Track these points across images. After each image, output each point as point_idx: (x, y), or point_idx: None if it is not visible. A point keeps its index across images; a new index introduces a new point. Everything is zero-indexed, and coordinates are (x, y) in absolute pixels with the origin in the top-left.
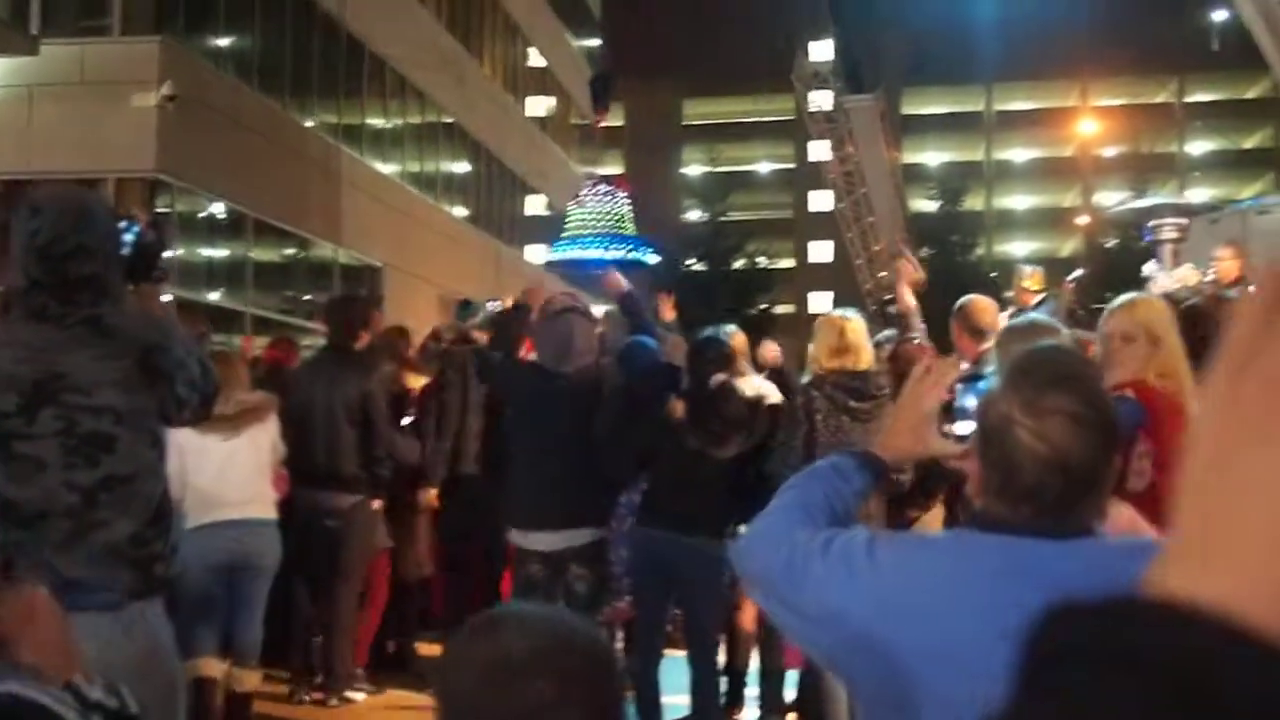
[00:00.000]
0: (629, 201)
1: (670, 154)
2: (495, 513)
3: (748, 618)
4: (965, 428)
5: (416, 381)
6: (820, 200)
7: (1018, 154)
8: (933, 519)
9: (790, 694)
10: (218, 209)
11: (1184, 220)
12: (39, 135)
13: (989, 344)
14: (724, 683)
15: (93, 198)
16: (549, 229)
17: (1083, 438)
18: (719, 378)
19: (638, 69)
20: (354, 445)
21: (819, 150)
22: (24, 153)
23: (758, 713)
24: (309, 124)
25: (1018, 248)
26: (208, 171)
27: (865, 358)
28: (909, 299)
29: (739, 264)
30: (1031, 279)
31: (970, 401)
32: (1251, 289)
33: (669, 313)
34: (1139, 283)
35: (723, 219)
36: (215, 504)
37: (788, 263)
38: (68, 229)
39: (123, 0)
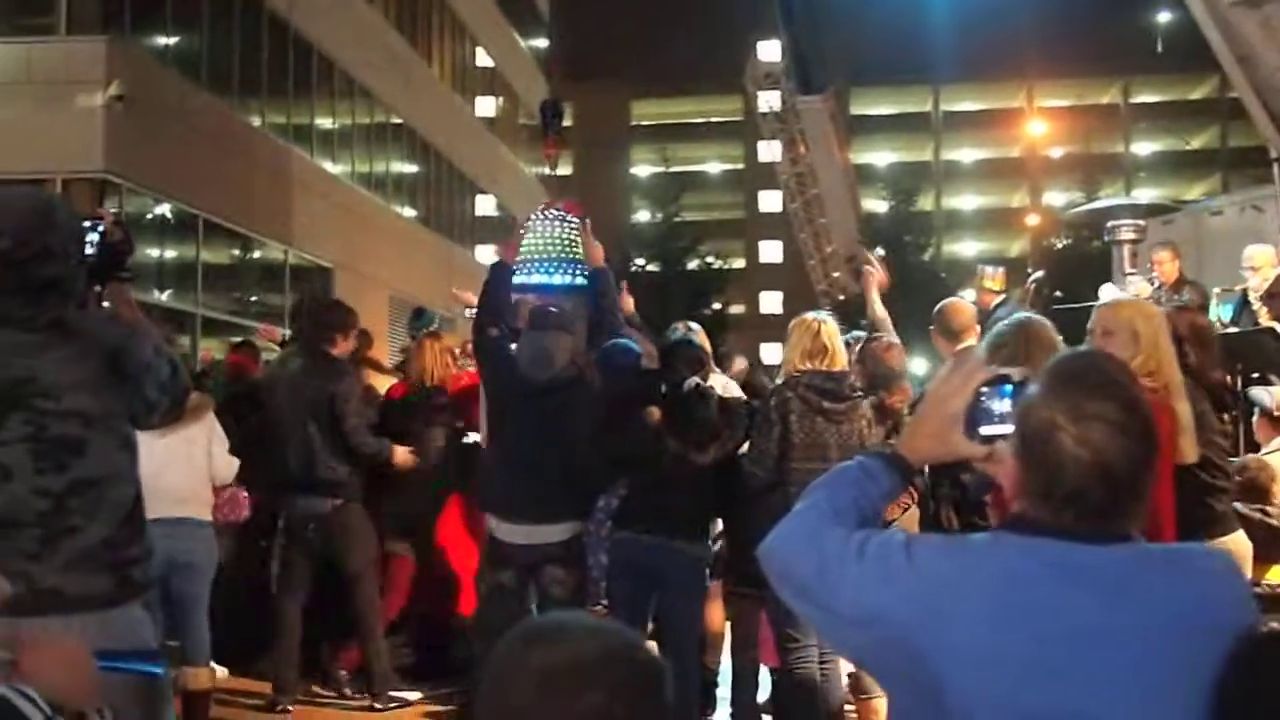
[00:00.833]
0: (575, 227)
1: (620, 154)
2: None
3: (715, 618)
4: (991, 430)
5: (382, 382)
6: (770, 201)
7: (966, 154)
8: (909, 520)
9: (764, 695)
10: (166, 209)
11: (1141, 221)
12: None
13: (964, 345)
14: None
15: (56, 199)
16: (499, 230)
17: (1124, 445)
18: (692, 381)
19: (586, 69)
20: (326, 448)
21: (769, 151)
22: None
23: (729, 713)
24: (258, 124)
25: (966, 248)
26: (156, 172)
27: (839, 360)
28: (879, 309)
29: (693, 264)
30: (994, 279)
31: (997, 405)
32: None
33: (628, 306)
34: (1093, 283)
35: (676, 219)
36: (150, 501)
37: (739, 263)
38: (32, 233)
39: None
